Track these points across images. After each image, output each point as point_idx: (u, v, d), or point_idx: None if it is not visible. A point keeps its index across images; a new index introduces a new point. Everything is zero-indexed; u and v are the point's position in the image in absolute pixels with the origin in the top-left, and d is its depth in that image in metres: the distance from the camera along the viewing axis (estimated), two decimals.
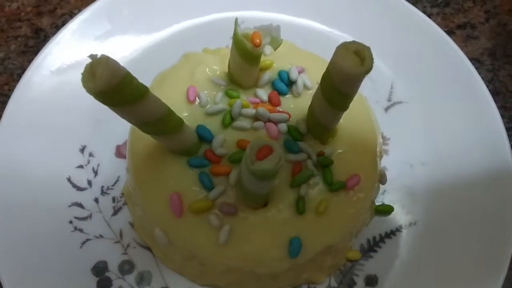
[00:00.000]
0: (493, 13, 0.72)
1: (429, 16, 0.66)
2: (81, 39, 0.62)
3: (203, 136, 0.49)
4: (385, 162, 0.59)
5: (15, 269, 0.51)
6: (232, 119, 0.50)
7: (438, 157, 0.59)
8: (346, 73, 0.39)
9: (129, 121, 0.42)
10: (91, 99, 0.61)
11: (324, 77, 0.42)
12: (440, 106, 0.61)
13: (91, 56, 0.37)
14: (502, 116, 0.59)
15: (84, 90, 0.61)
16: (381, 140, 0.55)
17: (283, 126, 0.49)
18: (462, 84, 0.61)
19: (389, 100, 0.63)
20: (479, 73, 0.61)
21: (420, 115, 0.61)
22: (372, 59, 0.39)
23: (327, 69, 0.41)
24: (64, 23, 0.63)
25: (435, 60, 0.63)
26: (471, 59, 0.62)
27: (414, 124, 0.61)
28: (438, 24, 0.64)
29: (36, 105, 0.59)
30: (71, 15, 0.69)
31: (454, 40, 0.63)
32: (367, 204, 0.50)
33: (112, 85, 0.37)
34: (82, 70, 0.61)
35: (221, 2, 0.65)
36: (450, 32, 0.69)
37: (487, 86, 0.60)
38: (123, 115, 0.41)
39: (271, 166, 0.37)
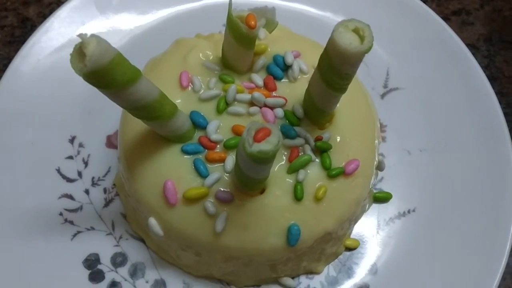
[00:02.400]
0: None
1: (424, 2, 0.65)
2: (69, 27, 0.60)
3: (197, 122, 0.47)
4: (383, 149, 0.58)
5: (5, 263, 0.50)
6: (227, 104, 0.48)
7: (436, 143, 0.58)
8: (345, 52, 0.38)
9: (120, 105, 0.40)
10: (80, 88, 0.60)
11: (322, 57, 0.41)
12: (437, 92, 0.60)
13: (81, 36, 0.35)
14: (499, 102, 0.58)
15: (73, 79, 0.59)
16: (378, 125, 0.54)
17: (279, 111, 0.48)
18: (458, 69, 0.60)
19: (385, 86, 0.62)
20: (475, 59, 0.60)
21: (417, 101, 0.60)
22: (372, 37, 0.38)
23: (325, 49, 0.40)
24: (51, 12, 0.61)
25: (431, 45, 0.62)
26: (467, 45, 0.61)
27: (411, 111, 0.60)
28: (433, 10, 0.63)
29: (24, 94, 0.57)
30: (58, 3, 0.67)
31: (450, 27, 0.62)
32: (366, 189, 0.49)
33: (102, 65, 0.36)
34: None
35: None
36: (445, 19, 0.68)
37: (484, 72, 0.59)
38: (114, 99, 0.39)
39: (270, 148, 0.36)
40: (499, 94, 0.64)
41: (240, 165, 0.41)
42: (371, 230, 0.54)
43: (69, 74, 0.58)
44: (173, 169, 0.46)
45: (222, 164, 0.46)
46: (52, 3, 0.67)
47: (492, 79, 0.65)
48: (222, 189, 0.45)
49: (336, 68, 0.40)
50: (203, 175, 0.46)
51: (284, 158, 0.47)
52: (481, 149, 0.57)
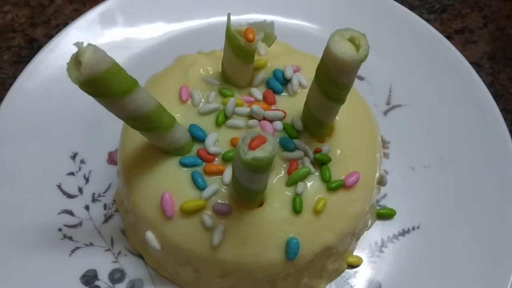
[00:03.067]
0: (491, 18, 0.71)
1: (427, 21, 0.65)
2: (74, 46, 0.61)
3: (196, 135, 0.47)
4: (386, 166, 0.57)
5: (2, 276, 0.49)
6: (226, 117, 0.48)
7: (440, 159, 0.57)
8: (341, 60, 0.38)
9: (117, 115, 0.40)
10: (83, 106, 0.61)
11: (319, 67, 0.41)
12: (441, 108, 0.60)
13: (77, 44, 0.36)
14: (504, 118, 0.57)
15: (76, 97, 0.60)
16: (380, 139, 0.54)
17: (278, 124, 0.48)
18: (461, 86, 0.60)
19: (388, 103, 0.62)
20: (479, 77, 0.60)
21: (420, 118, 0.60)
22: (367, 45, 0.38)
23: (321, 58, 0.40)
24: (58, 33, 0.63)
25: (433, 63, 0.62)
26: (471, 63, 0.61)
27: (415, 127, 0.60)
28: (436, 29, 0.64)
29: (28, 111, 0.58)
30: (65, 25, 0.68)
31: (453, 45, 0.62)
32: (367, 203, 0.48)
33: (97, 74, 0.36)
34: None
35: (215, 7, 0.64)
36: (448, 37, 0.68)
37: (488, 89, 0.59)
38: (111, 108, 0.39)
39: (265, 154, 0.36)
40: (504, 111, 0.63)
41: (237, 176, 0.40)
42: (375, 247, 0.53)
43: (72, 92, 0.60)
44: (170, 181, 0.46)
45: (220, 176, 0.46)
46: (59, 24, 0.68)
47: (496, 96, 0.64)
48: (219, 202, 0.45)
49: (333, 78, 0.40)
50: (200, 187, 0.45)
51: (283, 170, 0.46)
52: (486, 165, 0.56)
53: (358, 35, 0.38)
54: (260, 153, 0.36)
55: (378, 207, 0.55)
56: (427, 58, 0.62)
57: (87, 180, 0.56)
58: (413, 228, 0.54)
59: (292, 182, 0.46)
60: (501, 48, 0.69)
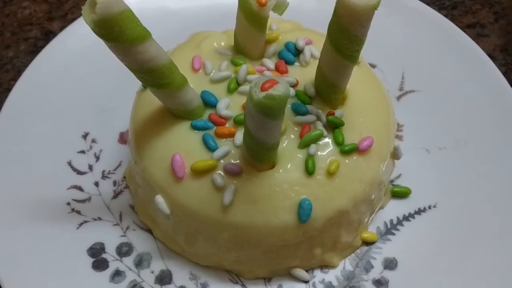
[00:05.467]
0: (501, 14, 0.71)
1: None
2: (90, 32, 0.62)
3: (208, 101, 0.47)
4: (401, 148, 0.56)
5: (7, 248, 0.48)
6: (238, 84, 0.48)
7: (455, 141, 0.56)
8: (354, 8, 0.38)
9: (130, 66, 0.41)
10: (96, 88, 0.61)
11: (332, 21, 0.41)
12: (454, 92, 0.59)
13: None
14: None
15: (89, 82, 0.61)
16: (394, 113, 0.53)
17: (290, 91, 0.47)
18: (474, 69, 0.59)
19: (401, 89, 0.61)
20: None
21: (434, 102, 0.59)
22: None
23: (334, 10, 0.40)
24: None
25: (445, 49, 0.62)
26: None
27: (428, 111, 0.59)
28: None
29: (42, 92, 0.59)
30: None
31: None
32: (381, 171, 0.47)
33: (112, 15, 0.36)
34: (90, 60, 0.62)
35: None
36: None
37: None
38: (123, 57, 0.40)
39: (278, 93, 0.35)
40: None
41: (248, 126, 0.40)
42: (390, 225, 0.52)
43: (86, 76, 0.61)
44: (181, 143, 0.45)
45: (232, 139, 0.45)
46: (76, 18, 0.69)
47: (511, 85, 0.64)
48: (231, 162, 0.44)
49: (345, 29, 0.40)
50: (211, 149, 0.45)
51: (295, 134, 0.46)
52: (501, 145, 0.54)
53: None
54: (273, 91, 0.35)
55: (392, 186, 0.53)
56: (438, 45, 0.62)
57: (97, 158, 0.56)
58: (429, 207, 0.52)
59: (304, 144, 0.45)
60: None
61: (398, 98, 0.60)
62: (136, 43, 0.39)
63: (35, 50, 0.67)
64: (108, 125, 0.58)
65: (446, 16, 0.70)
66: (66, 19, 0.70)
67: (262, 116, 0.37)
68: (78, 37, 0.62)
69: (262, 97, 0.35)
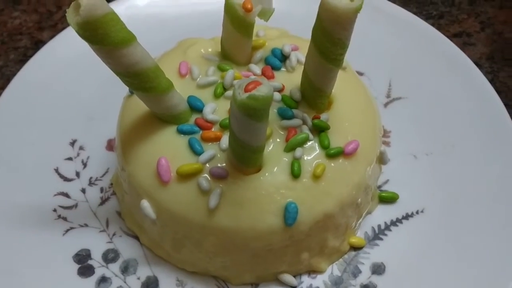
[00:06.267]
0: (487, 24, 0.72)
1: None
2: (79, 40, 0.63)
3: (194, 105, 0.47)
4: (388, 154, 0.56)
5: None
6: (224, 89, 0.48)
7: (443, 146, 0.57)
8: (335, 10, 0.38)
9: (115, 69, 0.41)
10: (84, 96, 0.61)
11: (315, 25, 0.42)
12: (441, 99, 0.60)
13: None
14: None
15: (77, 89, 0.62)
16: (380, 119, 0.53)
17: (276, 95, 0.48)
18: (461, 77, 0.60)
19: (388, 96, 0.62)
20: None
21: (421, 108, 0.60)
22: None
23: (317, 14, 0.41)
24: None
25: (432, 56, 0.63)
26: None
27: (416, 117, 0.59)
28: None
29: (30, 99, 0.59)
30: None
31: None
32: (367, 175, 0.47)
33: (95, 17, 0.37)
34: (79, 68, 0.62)
35: None
36: None
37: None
38: (109, 60, 0.40)
39: (261, 94, 0.35)
40: (505, 106, 0.63)
41: (233, 128, 0.40)
42: (378, 230, 0.52)
43: (74, 84, 0.61)
44: (167, 147, 0.45)
45: (218, 143, 0.45)
46: (66, 28, 0.70)
47: (497, 92, 0.64)
48: (217, 166, 0.44)
49: (329, 32, 0.40)
50: (197, 152, 0.45)
51: (281, 138, 0.46)
52: (488, 150, 0.55)
53: None
54: (256, 92, 0.36)
55: (380, 191, 0.54)
56: (425, 54, 0.63)
57: (85, 165, 0.56)
58: (417, 212, 0.52)
59: (290, 147, 0.45)
60: (499, 50, 0.69)
61: (386, 105, 0.61)
62: (120, 46, 0.39)
63: (24, 59, 0.67)
64: (95, 133, 0.58)
65: (433, 25, 0.71)
66: (56, 29, 0.71)
67: (246, 118, 0.37)
68: (66, 46, 0.62)
69: (245, 98, 0.36)
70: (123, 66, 0.40)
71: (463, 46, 0.70)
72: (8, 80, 0.65)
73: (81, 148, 0.57)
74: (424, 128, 0.58)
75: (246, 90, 0.36)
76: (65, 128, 0.58)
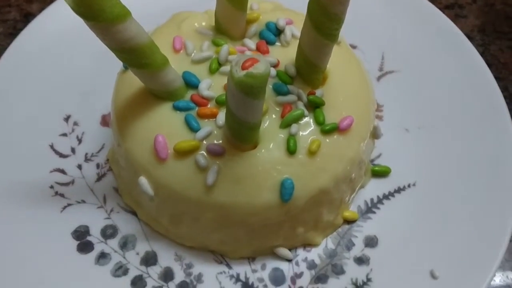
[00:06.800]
0: None
1: None
2: (70, 13, 0.61)
3: (189, 81, 0.47)
4: (381, 128, 0.57)
5: None
6: (220, 65, 0.48)
7: (434, 120, 0.57)
8: None
9: (110, 45, 0.41)
10: (77, 71, 0.61)
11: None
12: (433, 73, 0.60)
13: None
14: None
15: (70, 63, 0.61)
16: (374, 93, 0.54)
17: (272, 71, 0.48)
18: (452, 50, 0.61)
19: (380, 69, 0.62)
20: None
21: (413, 82, 0.60)
22: None
23: None
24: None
25: (423, 29, 0.63)
26: None
27: (408, 91, 0.60)
28: None
29: (23, 74, 0.59)
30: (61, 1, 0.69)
31: None
32: (361, 149, 0.48)
33: None
34: (70, 42, 0.61)
35: None
36: None
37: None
38: (103, 36, 0.40)
39: (259, 71, 0.36)
40: (496, 79, 0.63)
41: (230, 106, 0.40)
42: (371, 204, 0.53)
43: (67, 58, 0.61)
44: (164, 124, 0.46)
45: (214, 119, 0.45)
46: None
47: (488, 65, 0.65)
48: (213, 143, 0.44)
49: (324, 7, 0.40)
50: (194, 129, 0.45)
51: (276, 115, 0.46)
52: (479, 124, 0.56)
53: None
54: (253, 70, 0.36)
55: (373, 165, 0.54)
56: (417, 26, 0.63)
57: (80, 141, 0.56)
58: (409, 186, 0.53)
59: (285, 124, 0.45)
60: (491, 22, 0.70)
61: (378, 78, 0.61)
62: (115, 22, 0.39)
63: (14, 33, 0.66)
64: (90, 108, 0.58)
65: None
66: (46, 1, 0.70)
67: (243, 95, 0.38)
68: (58, 19, 0.61)
69: (242, 75, 0.36)
70: (118, 42, 0.40)
71: (455, 18, 0.70)
72: None
73: (75, 123, 0.57)
74: (416, 101, 0.59)
75: (243, 68, 0.36)
76: (58, 104, 0.58)
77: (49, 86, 0.58)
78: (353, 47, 0.63)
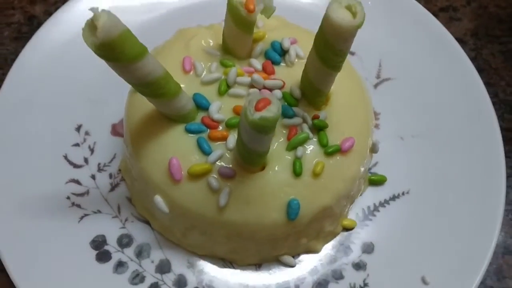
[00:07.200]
0: None
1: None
2: (77, 21, 0.63)
3: (200, 103, 0.50)
4: (377, 135, 0.60)
5: (15, 245, 0.51)
6: (228, 86, 0.51)
7: (428, 129, 0.60)
8: (339, 27, 0.41)
9: (128, 80, 0.43)
10: (86, 79, 0.62)
11: (318, 35, 0.44)
12: (428, 81, 0.63)
13: (93, 9, 0.38)
14: (487, 91, 0.61)
15: (79, 72, 0.62)
16: (372, 108, 0.57)
17: (277, 93, 0.50)
18: (447, 59, 0.63)
19: (378, 77, 0.64)
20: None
21: (409, 90, 0.63)
22: (363, 13, 0.41)
23: (320, 26, 0.43)
24: (57, 10, 0.64)
25: (420, 37, 0.65)
26: (455, 39, 0.64)
27: (403, 99, 0.62)
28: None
29: (32, 85, 0.60)
30: (63, 2, 0.69)
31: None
32: (361, 167, 0.52)
33: (112, 38, 0.38)
34: (78, 50, 0.62)
35: None
36: (433, 15, 0.71)
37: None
38: (123, 74, 0.42)
39: (271, 115, 0.38)
40: (487, 84, 0.66)
41: (242, 138, 0.43)
42: (367, 212, 0.56)
43: (75, 67, 0.62)
44: (177, 147, 0.48)
45: (224, 142, 0.48)
46: (58, 1, 0.70)
47: (479, 70, 0.67)
48: (224, 165, 0.47)
49: (331, 44, 0.43)
50: (206, 152, 0.48)
51: (283, 137, 0.49)
52: (470, 133, 0.59)
53: (355, 2, 0.41)
54: (266, 113, 0.38)
55: (370, 174, 0.58)
56: (414, 34, 0.65)
57: (92, 150, 0.58)
58: (403, 193, 0.57)
59: (292, 146, 0.48)
60: (484, 25, 0.72)
61: (376, 86, 0.64)
62: (135, 60, 0.41)
63: (19, 37, 0.67)
64: (99, 117, 0.60)
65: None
66: (48, 3, 0.70)
67: (256, 132, 0.40)
68: (62, 28, 0.62)
69: (257, 118, 0.38)
70: (137, 77, 0.42)
71: (449, 21, 0.72)
72: (5, 59, 0.66)
73: (86, 133, 0.59)
74: (410, 110, 0.62)
75: (256, 109, 0.39)
76: (69, 113, 0.59)
77: (58, 96, 0.60)
78: (352, 53, 0.65)
